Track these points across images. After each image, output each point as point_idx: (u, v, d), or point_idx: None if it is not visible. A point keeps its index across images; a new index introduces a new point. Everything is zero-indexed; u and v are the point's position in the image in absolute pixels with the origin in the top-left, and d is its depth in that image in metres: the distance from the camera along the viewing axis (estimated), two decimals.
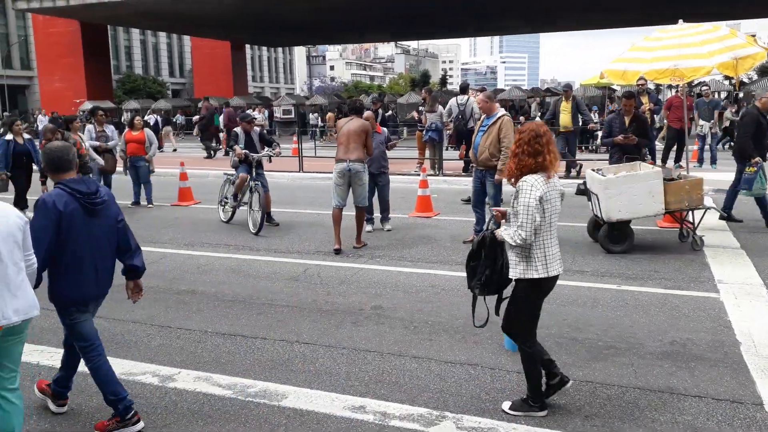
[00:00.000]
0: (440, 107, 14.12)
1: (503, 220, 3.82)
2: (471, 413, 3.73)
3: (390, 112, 30.89)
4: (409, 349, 4.70)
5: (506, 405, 3.77)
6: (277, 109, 36.22)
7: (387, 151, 9.11)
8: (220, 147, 21.09)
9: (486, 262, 3.79)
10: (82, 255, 3.46)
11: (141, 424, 3.58)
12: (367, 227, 8.92)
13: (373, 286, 6.34)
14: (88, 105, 36.82)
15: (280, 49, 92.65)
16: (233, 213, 9.76)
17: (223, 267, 7.23)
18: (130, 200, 11.42)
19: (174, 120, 36.48)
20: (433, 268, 6.93)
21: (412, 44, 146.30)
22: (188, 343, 4.92)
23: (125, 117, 28.07)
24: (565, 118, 13.27)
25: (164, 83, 68.84)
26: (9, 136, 9.35)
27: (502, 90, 39.77)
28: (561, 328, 5.04)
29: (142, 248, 3.92)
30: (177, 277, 6.80)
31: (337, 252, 7.66)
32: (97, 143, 10.81)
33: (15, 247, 2.99)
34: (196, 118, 26.79)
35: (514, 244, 3.56)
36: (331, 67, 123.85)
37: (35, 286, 3.20)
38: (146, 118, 25.39)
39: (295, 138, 23.05)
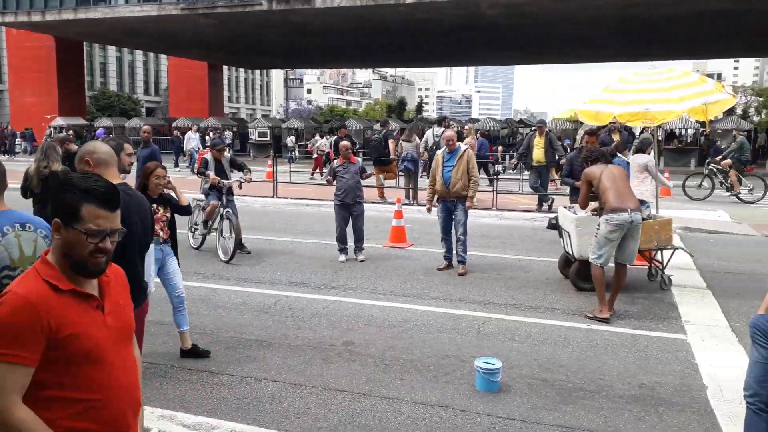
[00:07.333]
0: (416, 137, 14.25)
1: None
2: None
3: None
4: (380, 388, 4.65)
5: None
6: (252, 131, 36.16)
7: (362, 181, 9.17)
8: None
9: None
10: None
11: None
12: (341, 257, 8.93)
13: (345, 320, 6.28)
14: (59, 121, 36.33)
15: (257, 71, 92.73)
16: (203, 240, 9.63)
17: (191, 296, 7.06)
18: None
19: None
20: (406, 302, 6.90)
21: (389, 71, 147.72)
22: (153, 377, 4.79)
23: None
24: (538, 153, 13.48)
25: (139, 101, 68.23)
26: None
27: (477, 120, 40.37)
28: (532, 368, 5.04)
29: None
30: None
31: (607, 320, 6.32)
32: None
33: None
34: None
35: None
36: (308, 90, 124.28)
37: None
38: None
39: (269, 161, 22.96)
